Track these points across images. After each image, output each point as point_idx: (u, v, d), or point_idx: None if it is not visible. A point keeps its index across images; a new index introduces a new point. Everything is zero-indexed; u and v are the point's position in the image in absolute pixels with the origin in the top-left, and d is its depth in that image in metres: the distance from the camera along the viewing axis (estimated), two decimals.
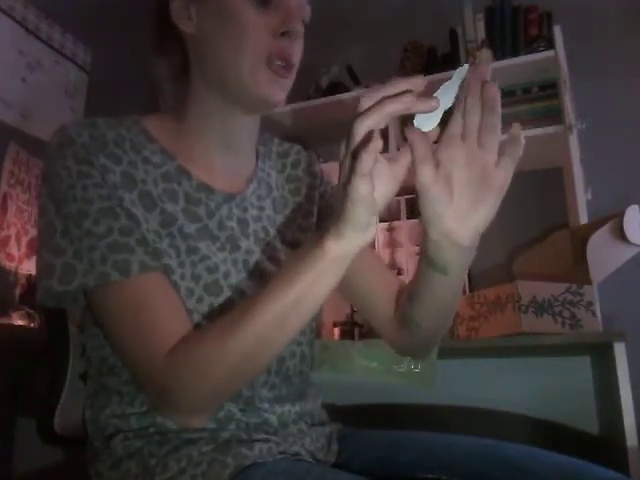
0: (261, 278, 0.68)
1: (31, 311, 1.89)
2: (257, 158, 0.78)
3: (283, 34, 0.65)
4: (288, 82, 0.67)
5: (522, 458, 0.63)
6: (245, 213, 0.71)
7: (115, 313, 0.60)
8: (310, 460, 0.65)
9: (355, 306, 0.85)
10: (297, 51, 0.67)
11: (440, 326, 0.71)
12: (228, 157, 0.72)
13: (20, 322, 1.86)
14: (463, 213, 0.52)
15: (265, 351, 0.56)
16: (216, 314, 0.61)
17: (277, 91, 0.66)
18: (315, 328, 0.75)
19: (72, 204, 0.60)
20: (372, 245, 0.88)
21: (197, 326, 0.61)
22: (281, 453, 0.62)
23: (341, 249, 0.51)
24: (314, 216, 0.81)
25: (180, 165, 0.68)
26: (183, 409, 0.59)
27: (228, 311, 0.59)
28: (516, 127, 0.50)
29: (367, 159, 0.45)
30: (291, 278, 0.53)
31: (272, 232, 0.74)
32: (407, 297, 0.68)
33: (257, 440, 0.61)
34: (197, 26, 0.68)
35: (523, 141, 0.50)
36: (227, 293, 0.64)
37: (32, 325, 1.87)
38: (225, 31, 0.65)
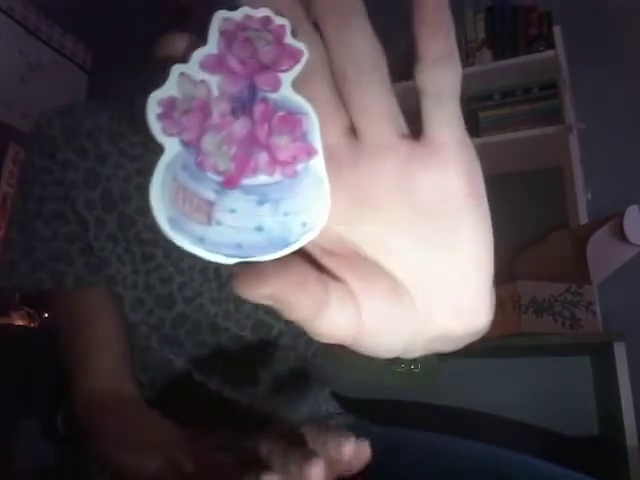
0: (233, 290, 0.64)
1: (31, 311, 1.89)
2: None
3: None
4: None
5: None
6: None
7: (57, 318, 0.61)
8: None
9: None
10: None
11: None
12: None
13: (20, 322, 1.86)
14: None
15: None
16: (167, 328, 0.60)
17: None
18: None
19: (30, 202, 0.60)
20: None
21: (146, 339, 0.60)
22: None
23: None
24: None
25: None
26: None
27: (180, 326, 0.58)
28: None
29: None
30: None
31: None
32: None
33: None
34: None
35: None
36: (180, 307, 0.60)
37: (32, 325, 1.87)
38: None
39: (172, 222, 0.18)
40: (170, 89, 0.18)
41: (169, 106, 0.18)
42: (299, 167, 0.19)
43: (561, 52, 1.81)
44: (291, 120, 0.19)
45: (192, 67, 0.19)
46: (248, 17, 0.19)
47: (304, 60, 0.19)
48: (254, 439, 0.47)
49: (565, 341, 1.43)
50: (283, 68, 0.19)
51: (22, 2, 2.20)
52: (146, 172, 0.62)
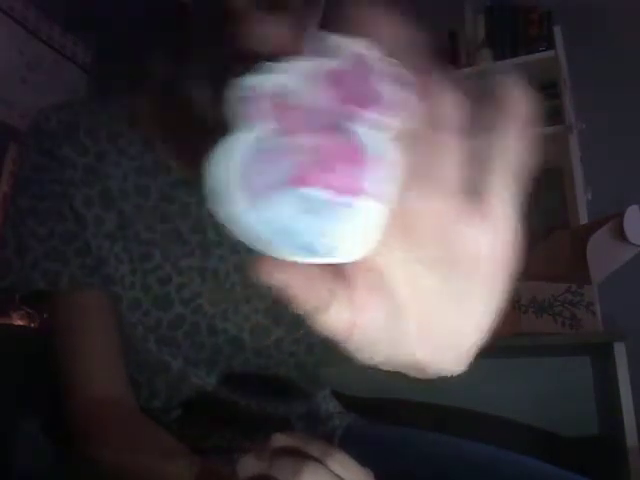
0: (231, 291, 0.62)
1: (31, 311, 1.89)
2: None
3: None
4: None
5: None
6: None
7: (51, 320, 0.60)
8: None
9: None
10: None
11: None
12: None
13: (20, 322, 1.86)
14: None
15: None
16: (165, 329, 0.59)
17: None
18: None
19: (26, 199, 0.59)
20: None
21: (143, 340, 0.59)
22: None
23: None
24: None
25: (159, 158, 0.61)
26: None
27: (177, 327, 0.58)
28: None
29: None
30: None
31: None
32: None
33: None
34: None
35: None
36: (178, 308, 0.59)
37: (32, 325, 1.87)
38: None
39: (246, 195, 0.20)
40: (281, 80, 0.19)
41: (273, 95, 0.19)
42: (362, 202, 0.19)
43: (561, 52, 1.81)
44: (376, 160, 0.19)
45: (310, 69, 0.19)
46: (383, 59, 0.20)
47: (413, 119, 0.20)
48: (252, 442, 0.46)
49: (565, 341, 1.43)
50: (392, 113, 0.19)
51: (22, 2, 2.20)
52: (145, 171, 0.61)
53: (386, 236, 0.21)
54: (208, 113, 0.52)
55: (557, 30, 1.84)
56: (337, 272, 0.22)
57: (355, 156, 0.19)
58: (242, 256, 0.62)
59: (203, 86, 0.53)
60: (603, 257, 1.50)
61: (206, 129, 0.64)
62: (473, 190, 0.22)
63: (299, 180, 0.19)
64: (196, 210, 0.61)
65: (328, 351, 0.70)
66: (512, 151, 0.22)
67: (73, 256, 0.57)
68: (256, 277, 0.20)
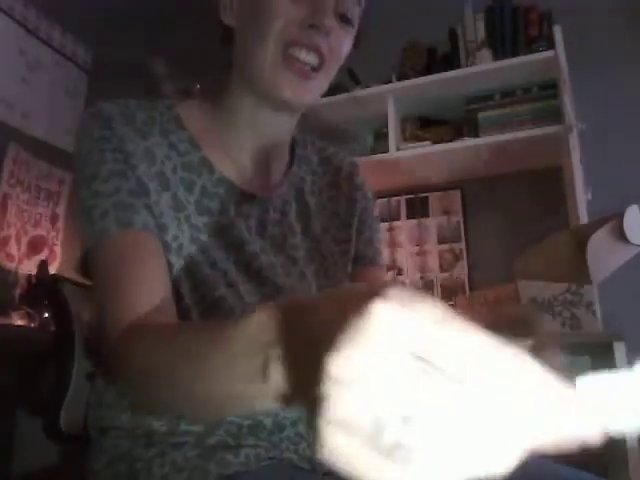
0: (262, 285, 0.65)
1: (31, 311, 1.89)
2: (292, 161, 0.76)
3: (311, 27, 0.61)
4: (314, 83, 0.64)
5: None
6: (266, 215, 0.69)
7: (106, 265, 0.57)
8: (305, 467, 0.61)
9: None
10: (326, 45, 0.63)
11: None
12: (258, 155, 0.70)
13: (20, 322, 1.86)
14: None
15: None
16: (207, 306, 0.61)
17: (297, 92, 0.62)
18: None
19: (87, 167, 0.60)
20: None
21: (186, 311, 0.59)
22: (270, 459, 0.59)
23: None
24: (352, 227, 0.78)
25: (204, 156, 0.66)
26: (120, 384, 0.56)
27: (220, 307, 0.59)
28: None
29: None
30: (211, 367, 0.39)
31: (291, 240, 0.70)
32: None
33: (244, 445, 0.58)
34: (236, 17, 0.66)
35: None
36: (221, 290, 0.62)
37: (32, 325, 1.88)
38: (255, 21, 0.63)
39: None
40: None
41: None
42: None
43: (561, 52, 1.81)
44: None
45: None
46: None
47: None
48: None
49: (565, 341, 1.42)
50: None
51: (22, 2, 2.20)
52: (191, 167, 0.65)
53: None
54: (246, 121, 0.66)
55: (557, 30, 1.84)
56: None
57: None
58: (269, 258, 0.66)
59: (244, 105, 0.65)
60: (603, 257, 1.50)
61: (244, 136, 0.69)
62: None
63: None
64: (233, 207, 0.66)
65: None
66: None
67: (141, 207, 0.58)
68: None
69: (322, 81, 0.65)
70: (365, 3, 0.69)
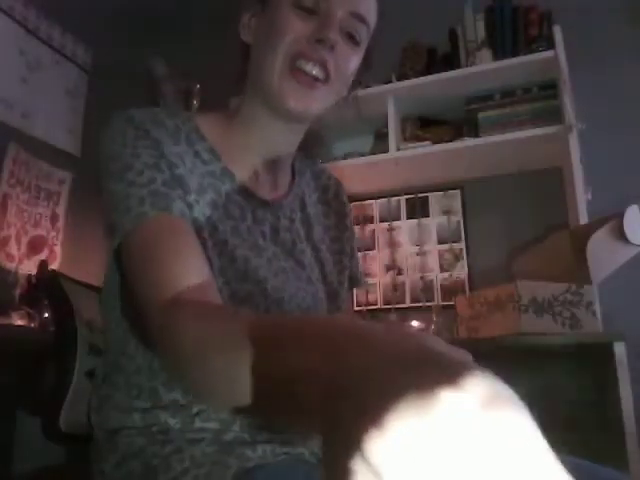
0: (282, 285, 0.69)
1: (31, 311, 1.89)
2: (294, 172, 0.80)
3: (319, 41, 0.64)
4: (319, 93, 0.66)
5: None
6: (278, 222, 0.73)
7: (147, 243, 0.57)
8: (315, 462, 0.64)
9: None
10: (333, 61, 0.65)
11: None
12: (269, 165, 0.73)
13: (20, 322, 1.86)
14: None
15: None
16: (237, 300, 0.62)
17: (301, 101, 0.65)
18: None
19: (119, 161, 0.60)
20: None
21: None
22: (285, 454, 0.61)
23: None
24: (344, 241, 0.83)
25: (225, 167, 0.69)
26: (167, 360, 0.54)
27: (247, 301, 0.62)
28: None
29: None
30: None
31: (299, 245, 0.75)
32: None
33: (260, 441, 0.61)
34: (253, 35, 0.71)
35: None
36: (249, 285, 0.64)
37: (32, 325, 1.87)
38: (268, 37, 0.66)
39: None
40: None
41: None
42: None
43: (561, 52, 1.81)
44: None
45: None
46: None
47: None
48: None
49: (565, 341, 1.43)
50: None
51: (22, 2, 2.20)
52: (214, 175, 0.68)
53: None
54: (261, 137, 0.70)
55: (557, 30, 1.84)
56: None
57: None
58: (280, 263, 0.70)
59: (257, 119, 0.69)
60: (603, 257, 1.50)
61: (257, 147, 0.71)
62: None
63: None
64: (251, 214, 0.69)
65: None
66: None
67: (177, 198, 0.60)
68: None
69: (327, 93, 0.67)
70: (374, 25, 0.71)
